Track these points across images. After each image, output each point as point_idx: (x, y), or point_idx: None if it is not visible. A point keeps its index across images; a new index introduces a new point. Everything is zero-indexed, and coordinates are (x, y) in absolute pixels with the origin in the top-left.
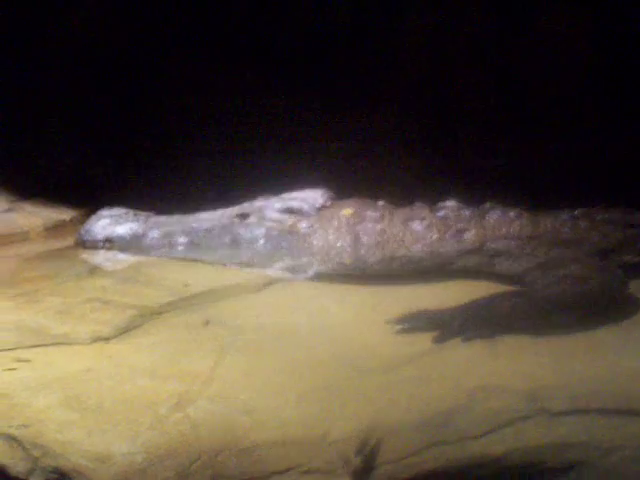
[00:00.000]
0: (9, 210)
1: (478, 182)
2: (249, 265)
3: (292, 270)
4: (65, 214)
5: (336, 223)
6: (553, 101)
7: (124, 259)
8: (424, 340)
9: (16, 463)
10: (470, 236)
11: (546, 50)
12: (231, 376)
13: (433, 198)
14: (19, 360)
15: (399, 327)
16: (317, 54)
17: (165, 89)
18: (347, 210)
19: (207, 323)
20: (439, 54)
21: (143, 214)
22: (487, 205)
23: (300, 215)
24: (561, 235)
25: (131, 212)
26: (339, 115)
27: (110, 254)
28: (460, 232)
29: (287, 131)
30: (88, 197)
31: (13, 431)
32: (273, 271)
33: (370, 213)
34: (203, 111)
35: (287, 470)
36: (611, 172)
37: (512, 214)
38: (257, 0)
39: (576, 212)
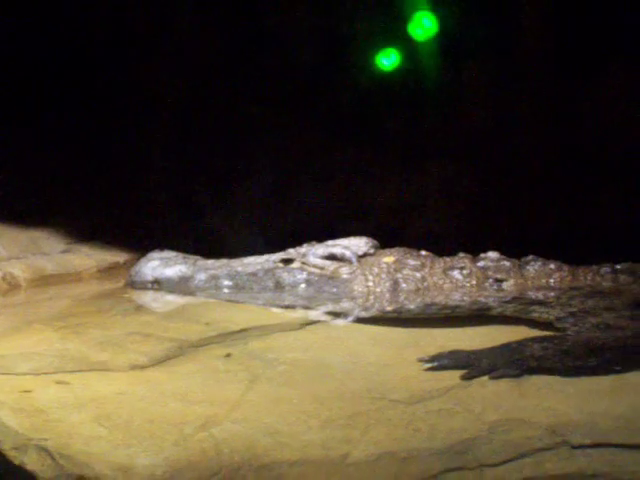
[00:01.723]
0: (65, 251)
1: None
2: (291, 308)
3: (333, 314)
4: (119, 257)
5: (377, 270)
6: (610, 161)
7: (171, 299)
8: (453, 377)
9: (44, 470)
10: (509, 286)
11: (610, 107)
12: (258, 403)
13: (476, 251)
14: (58, 382)
15: (429, 365)
16: (375, 108)
17: (219, 134)
18: (389, 257)
19: (228, 355)
20: (497, 109)
21: (191, 257)
22: (528, 257)
23: (342, 261)
24: (600, 287)
25: (180, 255)
26: (393, 167)
27: (158, 295)
28: (499, 281)
29: (339, 181)
30: (143, 240)
31: (44, 443)
32: (314, 314)
33: (411, 261)
34: (255, 160)
35: None
36: None
37: (552, 266)
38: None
39: (618, 266)
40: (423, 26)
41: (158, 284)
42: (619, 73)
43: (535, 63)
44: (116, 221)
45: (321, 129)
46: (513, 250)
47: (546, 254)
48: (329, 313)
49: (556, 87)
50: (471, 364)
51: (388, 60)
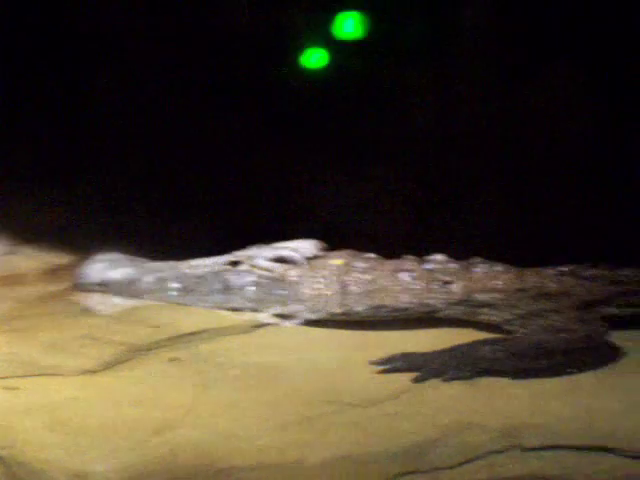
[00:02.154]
0: (9, 253)
1: (470, 240)
2: (240, 310)
3: (282, 316)
4: (63, 258)
5: (326, 272)
6: (554, 160)
7: (118, 302)
8: (405, 380)
9: None
10: (456, 288)
11: (552, 106)
12: (212, 407)
13: (423, 253)
14: (7, 388)
15: (381, 368)
16: (317, 110)
17: (162, 139)
18: (337, 260)
19: (174, 359)
20: (439, 110)
21: (138, 260)
22: (475, 259)
23: (291, 264)
24: (546, 289)
25: (127, 257)
26: (341, 171)
27: (105, 297)
28: (447, 284)
29: (286, 184)
30: (86, 242)
31: None
32: (263, 316)
33: (359, 263)
34: (200, 161)
35: None
36: (602, 231)
37: (499, 268)
38: (262, 57)
39: (563, 268)
40: (349, 26)
41: (105, 286)
42: (561, 72)
43: (477, 63)
44: (60, 223)
45: (263, 129)
46: (457, 251)
47: (490, 254)
48: (278, 315)
49: (498, 87)
50: (422, 367)
51: (315, 59)
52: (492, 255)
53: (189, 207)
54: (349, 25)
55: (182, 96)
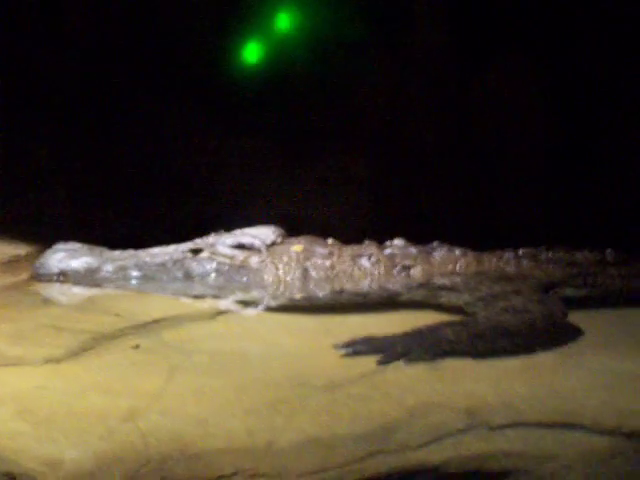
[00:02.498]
0: None
1: (427, 224)
2: (201, 298)
3: (244, 303)
4: (21, 249)
5: (286, 259)
6: (507, 147)
7: (78, 291)
8: (369, 363)
9: None
10: (416, 272)
11: (503, 93)
12: (180, 393)
13: (382, 238)
14: None
15: (344, 351)
16: (277, 99)
17: (125, 125)
18: (297, 246)
19: (137, 347)
20: (394, 100)
21: (97, 248)
22: (434, 244)
23: (251, 250)
24: (505, 272)
25: (86, 246)
26: (295, 158)
27: (65, 287)
28: (406, 268)
29: (245, 172)
30: (44, 233)
31: None
32: (225, 303)
33: (319, 249)
34: (160, 148)
35: (234, 474)
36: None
37: (457, 252)
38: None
39: (520, 251)
40: (284, 20)
41: (64, 276)
42: (511, 60)
43: (429, 51)
44: (17, 214)
45: (216, 118)
46: (414, 236)
47: (447, 239)
48: (240, 302)
49: (449, 75)
50: (386, 349)
51: (254, 52)
52: (451, 239)
53: (145, 196)
54: (287, 20)
55: (135, 89)
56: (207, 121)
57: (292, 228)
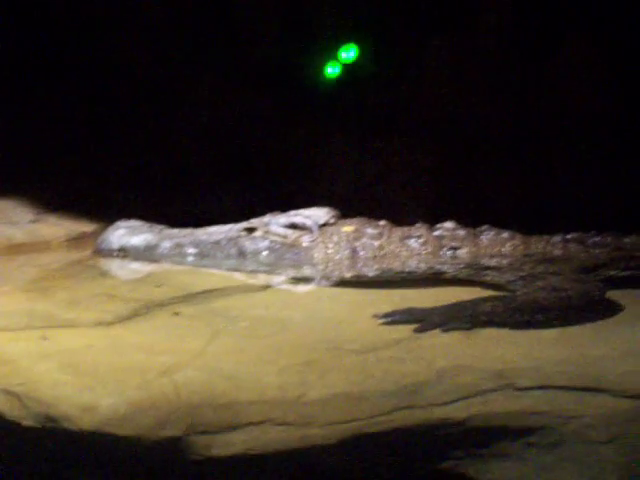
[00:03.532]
0: (34, 221)
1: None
2: (253, 274)
3: (294, 279)
4: (87, 226)
5: (336, 238)
6: (571, 132)
7: (135, 266)
8: (406, 330)
9: (11, 410)
10: (463, 253)
11: (567, 81)
12: (219, 353)
13: (435, 222)
14: (27, 337)
15: (383, 320)
16: (337, 85)
17: (184, 110)
18: (348, 227)
19: (177, 314)
20: (456, 90)
21: (158, 226)
22: (483, 227)
23: (303, 230)
24: (551, 255)
25: (146, 224)
26: (358, 144)
27: (124, 262)
28: (454, 249)
29: (306, 157)
30: (110, 212)
31: (12, 387)
32: (274, 279)
33: (369, 230)
34: (223, 133)
35: (263, 422)
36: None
37: (505, 235)
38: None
39: (569, 236)
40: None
41: (124, 252)
42: (576, 48)
43: (495, 39)
44: (84, 192)
45: (284, 106)
46: (475, 223)
47: (501, 224)
48: (290, 278)
49: (515, 62)
50: (424, 319)
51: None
52: (504, 224)
53: (212, 177)
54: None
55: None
56: (280, 111)
57: (355, 212)
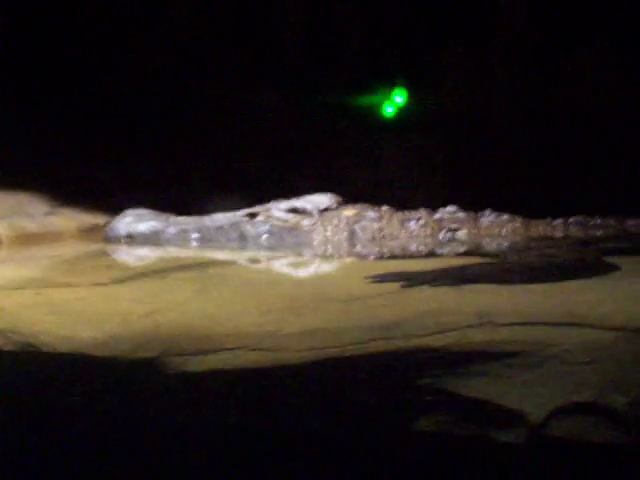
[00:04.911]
0: (49, 213)
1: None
2: (254, 252)
3: (290, 257)
4: (99, 219)
5: (336, 221)
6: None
7: (141, 251)
8: (394, 287)
9: None
10: (462, 235)
11: (584, 81)
12: (203, 301)
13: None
14: (22, 293)
15: (374, 279)
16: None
17: (193, 103)
18: (350, 211)
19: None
20: (477, 84)
21: (164, 214)
22: (485, 211)
23: (304, 214)
24: (551, 236)
25: (153, 212)
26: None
27: (130, 247)
28: (453, 231)
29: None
30: (124, 205)
31: None
32: (273, 255)
33: (370, 213)
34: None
35: (237, 348)
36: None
37: (505, 217)
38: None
39: (571, 219)
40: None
41: (131, 238)
42: (594, 50)
43: (512, 40)
44: (98, 186)
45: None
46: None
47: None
48: (287, 256)
49: (533, 62)
50: (413, 278)
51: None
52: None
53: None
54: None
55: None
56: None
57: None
